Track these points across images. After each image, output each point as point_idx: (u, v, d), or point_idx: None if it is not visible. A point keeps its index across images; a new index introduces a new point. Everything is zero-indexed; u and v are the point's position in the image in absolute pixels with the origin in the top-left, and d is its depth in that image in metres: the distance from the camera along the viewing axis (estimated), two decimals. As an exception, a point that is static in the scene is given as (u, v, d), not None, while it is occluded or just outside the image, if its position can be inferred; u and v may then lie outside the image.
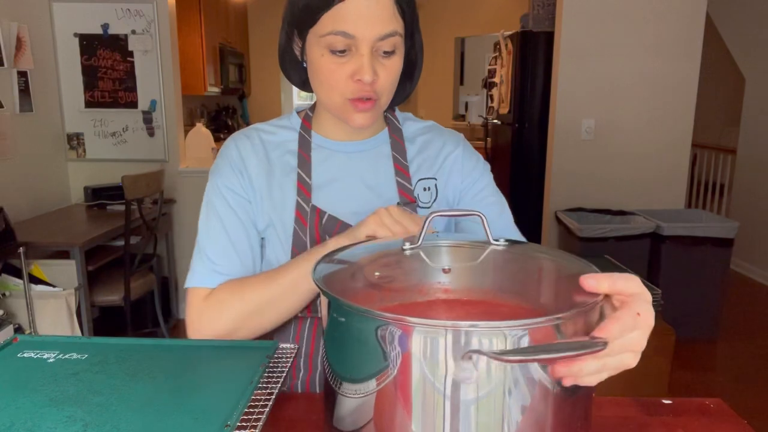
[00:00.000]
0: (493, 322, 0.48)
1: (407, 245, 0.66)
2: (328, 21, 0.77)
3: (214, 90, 4.85)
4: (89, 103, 3.36)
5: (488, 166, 1.01)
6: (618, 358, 0.52)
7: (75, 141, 3.39)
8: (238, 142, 0.92)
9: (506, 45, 4.42)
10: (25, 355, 0.73)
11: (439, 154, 0.96)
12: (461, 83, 6.41)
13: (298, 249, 0.88)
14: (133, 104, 3.37)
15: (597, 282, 0.53)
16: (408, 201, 0.91)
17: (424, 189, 0.93)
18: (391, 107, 0.96)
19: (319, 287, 0.56)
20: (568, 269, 0.63)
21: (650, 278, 3.06)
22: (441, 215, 0.66)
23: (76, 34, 3.27)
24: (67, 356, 0.72)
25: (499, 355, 0.45)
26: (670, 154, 3.46)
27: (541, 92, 4.06)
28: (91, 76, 3.33)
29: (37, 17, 3.10)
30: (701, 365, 2.99)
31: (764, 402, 2.61)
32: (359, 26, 0.76)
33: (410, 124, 0.99)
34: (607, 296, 0.55)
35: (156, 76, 3.33)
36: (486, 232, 0.66)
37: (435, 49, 6.35)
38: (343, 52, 0.78)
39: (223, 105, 5.81)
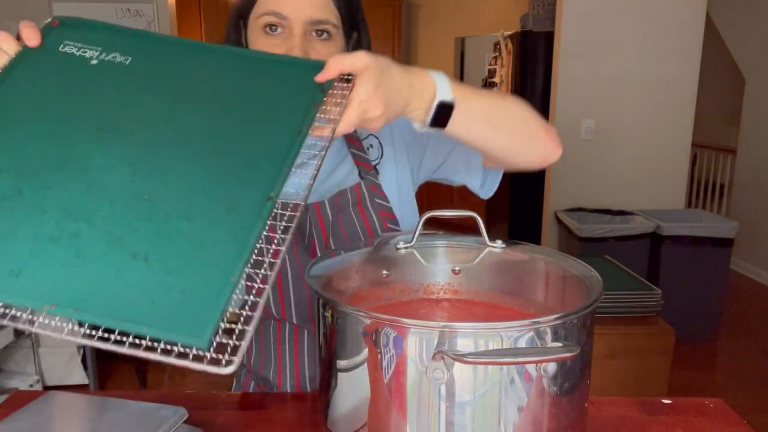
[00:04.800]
0: (468, 324, 0.48)
1: (401, 243, 0.66)
2: (263, 2, 0.81)
3: (214, 90, 4.85)
4: (89, 103, 3.35)
5: None
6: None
7: (75, 141, 3.39)
8: None
9: (506, 45, 4.42)
10: (67, 49, 0.65)
11: None
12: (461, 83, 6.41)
13: None
14: (133, 104, 3.36)
15: (327, 72, 0.61)
16: (367, 171, 0.90)
17: (369, 146, 0.93)
18: None
19: (314, 290, 0.55)
20: (563, 270, 0.63)
21: (650, 278, 3.05)
22: (436, 216, 0.66)
23: (75, 34, 3.27)
24: (110, 57, 0.64)
25: (461, 357, 0.45)
26: (670, 154, 3.46)
27: (541, 92, 4.06)
28: (90, 76, 3.32)
29: (37, 17, 3.08)
30: (701, 365, 2.99)
31: (764, 401, 2.61)
32: (293, 7, 0.79)
33: None
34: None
35: (156, 76, 3.33)
36: (482, 233, 0.66)
37: (435, 49, 6.35)
38: (274, 29, 0.80)
39: (223, 105, 5.82)
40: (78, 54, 0.64)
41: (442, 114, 0.66)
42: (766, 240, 4.22)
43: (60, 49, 0.65)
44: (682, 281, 3.08)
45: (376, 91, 0.60)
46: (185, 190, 0.52)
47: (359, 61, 0.61)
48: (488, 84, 5.14)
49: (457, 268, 0.67)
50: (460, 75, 6.37)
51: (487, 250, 0.66)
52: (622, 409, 0.78)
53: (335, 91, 0.61)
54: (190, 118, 0.58)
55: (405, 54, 6.35)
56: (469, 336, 0.47)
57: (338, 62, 0.62)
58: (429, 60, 6.40)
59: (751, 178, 4.38)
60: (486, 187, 0.91)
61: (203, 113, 0.59)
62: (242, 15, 0.86)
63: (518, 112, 0.77)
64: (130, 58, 0.64)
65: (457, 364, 0.46)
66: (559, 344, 0.48)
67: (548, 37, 3.79)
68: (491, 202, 5.45)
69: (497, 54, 4.78)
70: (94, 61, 0.63)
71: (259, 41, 0.82)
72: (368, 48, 0.93)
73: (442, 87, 0.66)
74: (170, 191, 0.52)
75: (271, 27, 0.81)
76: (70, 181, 0.52)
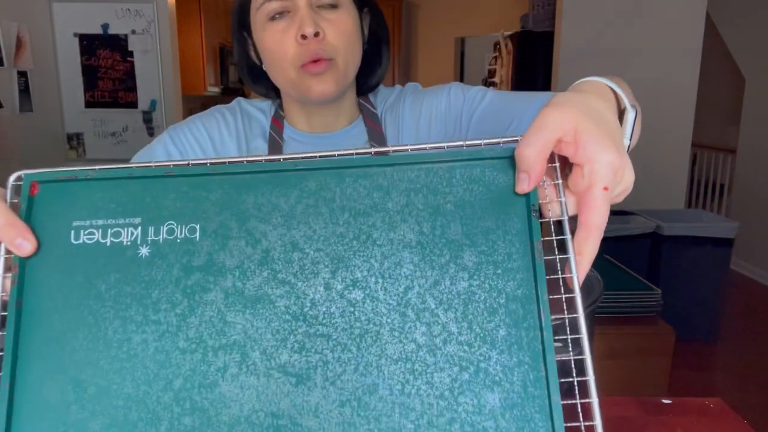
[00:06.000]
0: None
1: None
2: None
3: (214, 90, 4.84)
4: (89, 103, 3.35)
5: (486, 89, 0.87)
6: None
7: (75, 141, 3.39)
8: (222, 119, 0.90)
9: (506, 45, 4.42)
10: (85, 237, 0.37)
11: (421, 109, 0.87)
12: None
13: None
14: (133, 104, 3.37)
15: (530, 169, 0.38)
16: None
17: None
18: (364, 93, 0.91)
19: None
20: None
21: (650, 278, 3.05)
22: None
23: (76, 34, 3.27)
24: (164, 234, 0.37)
25: None
26: (670, 154, 3.46)
27: (541, 92, 4.06)
28: (91, 76, 3.32)
29: (37, 17, 3.09)
30: (701, 365, 2.99)
31: (764, 402, 2.61)
32: None
33: (382, 98, 0.92)
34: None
35: (156, 76, 3.33)
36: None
37: (435, 49, 6.34)
38: (281, 14, 0.76)
39: (223, 105, 5.82)
40: (108, 241, 0.37)
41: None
42: (766, 240, 4.22)
43: (73, 240, 0.37)
44: (682, 281, 3.08)
45: (617, 158, 0.37)
46: None
47: (561, 123, 0.37)
48: (488, 84, 5.14)
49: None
50: (460, 75, 6.37)
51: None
52: (622, 409, 0.78)
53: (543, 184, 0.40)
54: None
55: (405, 54, 6.35)
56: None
57: (536, 144, 0.37)
58: (429, 60, 6.40)
59: (751, 178, 4.38)
60: None
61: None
62: (243, 8, 0.82)
63: None
64: (197, 227, 0.37)
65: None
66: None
67: (548, 37, 3.79)
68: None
69: (497, 54, 4.78)
70: (143, 251, 0.37)
71: (266, 33, 0.78)
72: (384, 26, 0.88)
73: (622, 96, 0.50)
74: None
75: (277, 11, 0.76)
76: None
